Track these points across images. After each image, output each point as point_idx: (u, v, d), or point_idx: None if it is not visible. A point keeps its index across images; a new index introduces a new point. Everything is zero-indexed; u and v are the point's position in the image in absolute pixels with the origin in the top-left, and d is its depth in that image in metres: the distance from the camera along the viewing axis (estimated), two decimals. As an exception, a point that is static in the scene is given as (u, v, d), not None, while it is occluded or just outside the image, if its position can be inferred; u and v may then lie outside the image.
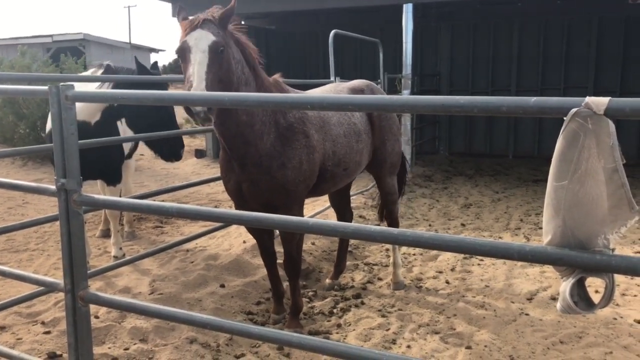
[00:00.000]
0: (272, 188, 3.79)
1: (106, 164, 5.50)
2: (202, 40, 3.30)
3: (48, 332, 4.09)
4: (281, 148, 3.78)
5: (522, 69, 14.07)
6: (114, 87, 4.88)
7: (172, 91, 3.69)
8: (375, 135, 4.72)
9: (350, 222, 5.69)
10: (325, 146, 4.07)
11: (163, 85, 5.18)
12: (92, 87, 5.08)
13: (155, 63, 5.53)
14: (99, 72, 5.28)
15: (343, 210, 5.55)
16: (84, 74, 5.91)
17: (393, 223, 5.24)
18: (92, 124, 5.17)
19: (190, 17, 3.47)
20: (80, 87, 5.12)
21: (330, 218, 6.64)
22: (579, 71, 13.55)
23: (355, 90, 4.79)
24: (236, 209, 4.02)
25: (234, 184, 3.89)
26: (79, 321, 2.62)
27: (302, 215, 4.21)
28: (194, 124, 17.92)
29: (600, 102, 1.59)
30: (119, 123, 5.58)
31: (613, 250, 1.70)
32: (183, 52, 3.33)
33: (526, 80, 14.06)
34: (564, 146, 1.66)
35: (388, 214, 5.23)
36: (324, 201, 7.52)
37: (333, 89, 4.84)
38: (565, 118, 1.65)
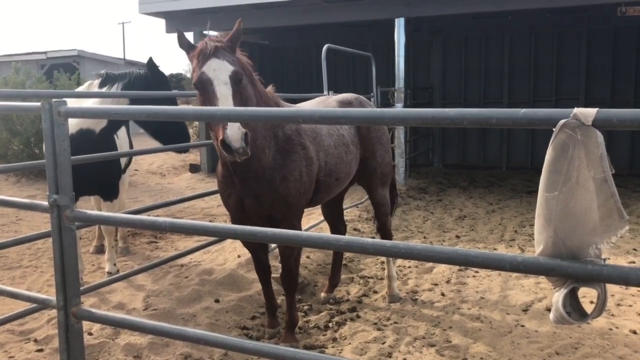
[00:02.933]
0: (275, 201, 3.79)
1: (105, 179, 5.45)
2: (222, 72, 3.27)
3: (41, 350, 4.05)
4: (282, 161, 3.79)
5: (514, 81, 14.20)
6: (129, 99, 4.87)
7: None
8: (364, 147, 4.74)
9: (344, 234, 5.68)
10: (319, 157, 4.10)
11: (173, 99, 5.19)
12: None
13: (151, 59, 5.39)
14: (97, 82, 5.22)
15: (336, 222, 5.55)
16: (80, 88, 5.85)
17: (386, 235, 5.24)
18: (98, 132, 5.11)
19: (198, 45, 3.41)
20: (88, 102, 5.13)
21: (324, 231, 6.64)
22: (570, 82, 13.68)
23: (343, 103, 4.83)
24: (234, 224, 4.00)
25: (234, 199, 3.86)
26: (71, 338, 2.60)
27: (301, 227, 4.22)
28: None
29: (588, 113, 1.61)
30: (115, 137, 5.56)
31: (605, 260, 1.71)
32: (203, 84, 3.28)
33: (518, 92, 14.18)
34: (554, 157, 1.67)
35: (381, 225, 5.22)
36: (317, 214, 7.52)
37: (322, 102, 4.88)
38: (554, 129, 1.67)
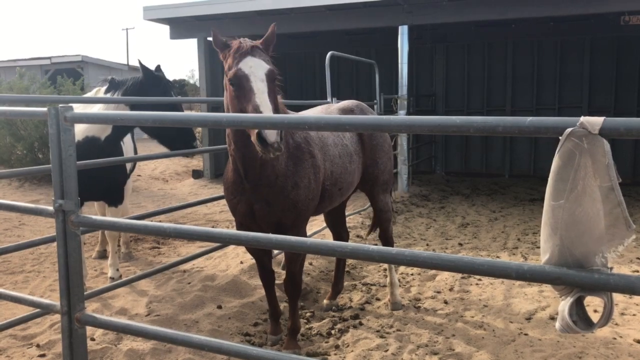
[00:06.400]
0: (285, 207, 3.82)
1: (111, 184, 5.46)
2: (259, 69, 3.34)
3: (43, 355, 4.05)
4: (293, 168, 3.83)
5: (517, 89, 14.22)
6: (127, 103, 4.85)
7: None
8: (367, 155, 4.77)
9: (347, 241, 5.68)
10: (326, 166, 4.13)
11: (178, 106, 5.17)
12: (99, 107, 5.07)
13: (159, 66, 5.36)
14: (103, 88, 5.25)
15: (339, 229, 5.55)
16: (89, 94, 5.87)
17: (388, 242, 5.23)
18: (103, 139, 5.13)
19: (233, 44, 3.46)
20: (89, 108, 5.14)
21: (327, 238, 6.63)
22: (573, 91, 13.69)
23: (345, 111, 4.86)
24: (241, 229, 4.00)
25: (244, 205, 3.87)
26: (75, 343, 2.60)
27: (306, 234, 4.23)
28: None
29: (595, 122, 1.62)
30: (121, 143, 5.57)
31: (611, 268, 1.70)
32: (239, 80, 3.32)
33: (521, 100, 14.19)
34: (560, 165, 1.68)
35: (382, 232, 5.21)
36: (320, 221, 7.51)
37: (324, 110, 4.91)
38: (560, 138, 1.67)
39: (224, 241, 3.39)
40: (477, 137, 14.25)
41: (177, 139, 5.08)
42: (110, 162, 4.69)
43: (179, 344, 2.76)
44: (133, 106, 4.84)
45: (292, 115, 3.65)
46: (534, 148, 13.93)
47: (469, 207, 10.23)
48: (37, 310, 3.64)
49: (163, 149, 5.27)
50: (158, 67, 5.31)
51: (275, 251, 5.79)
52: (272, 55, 3.65)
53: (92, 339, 4.18)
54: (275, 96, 3.48)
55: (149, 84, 5.08)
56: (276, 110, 3.40)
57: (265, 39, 3.57)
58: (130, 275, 5.65)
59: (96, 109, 5.07)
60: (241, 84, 3.32)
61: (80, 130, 4.99)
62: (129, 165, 6.09)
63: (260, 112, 3.17)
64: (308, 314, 4.99)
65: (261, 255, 4.28)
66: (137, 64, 5.29)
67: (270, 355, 2.31)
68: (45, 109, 2.54)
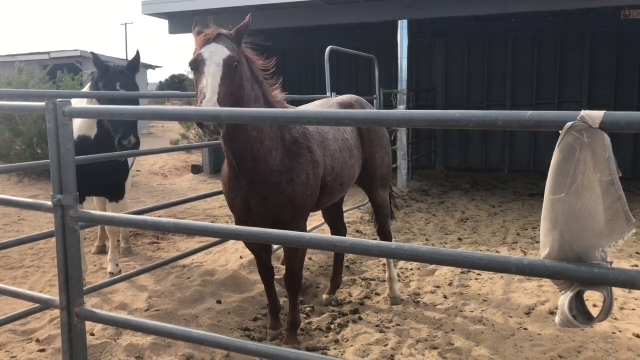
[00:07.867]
0: (282, 204, 3.80)
1: (113, 180, 5.45)
2: (217, 54, 3.34)
3: (43, 350, 4.05)
4: (289, 164, 3.81)
5: (517, 84, 14.19)
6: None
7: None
8: (365, 149, 4.76)
9: (345, 236, 5.68)
10: (326, 161, 4.11)
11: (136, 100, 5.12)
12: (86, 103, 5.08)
13: (138, 52, 5.27)
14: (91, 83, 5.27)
15: (337, 224, 5.55)
16: (85, 88, 5.86)
17: (386, 237, 5.23)
18: (93, 137, 5.16)
19: (206, 31, 3.50)
20: (76, 103, 5.15)
21: (326, 233, 6.62)
22: (573, 86, 13.66)
23: (344, 105, 4.84)
24: (239, 225, 4.00)
25: (241, 200, 3.86)
26: (74, 339, 2.60)
27: (306, 229, 4.22)
28: (190, 140, 17.75)
29: (595, 116, 1.61)
30: None
31: (611, 263, 1.70)
32: (197, 64, 3.35)
33: (521, 95, 14.17)
34: (560, 160, 1.67)
35: (381, 227, 5.20)
36: (319, 216, 7.51)
37: (323, 105, 4.89)
38: (561, 132, 1.66)
39: (224, 236, 3.39)
40: (477, 132, 14.23)
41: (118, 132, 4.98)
42: (105, 157, 4.66)
43: (178, 339, 2.76)
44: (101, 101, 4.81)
45: (291, 109, 3.64)
46: (534, 143, 13.91)
47: (468, 202, 10.23)
48: (37, 305, 3.63)
49: (162, 145, 5.26)
50: (137, 53, 5.29)
51: (275, 246, 5.79)
52: (247, 45, 3.66)
53: (92, 334, 4.19)
54: (236, 82, 3.39)
55: (100, 75, 5.06)
56: (231, 95, 3.30)
57: (237, 29, 3.56)
58: (129, 270, 5.65)
59: (84, 104, 5.07)
60: (198, 68, 3.34)
61: (75, 130, 4.99)
62: (130, 161, 6.08)
63: (204, 94, 3.15)
64: (308, 309, 5.00)
65: (260, 250, 4.28)
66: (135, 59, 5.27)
67: (269, 350, 2.31)
68: (43, 103, 2.53)
